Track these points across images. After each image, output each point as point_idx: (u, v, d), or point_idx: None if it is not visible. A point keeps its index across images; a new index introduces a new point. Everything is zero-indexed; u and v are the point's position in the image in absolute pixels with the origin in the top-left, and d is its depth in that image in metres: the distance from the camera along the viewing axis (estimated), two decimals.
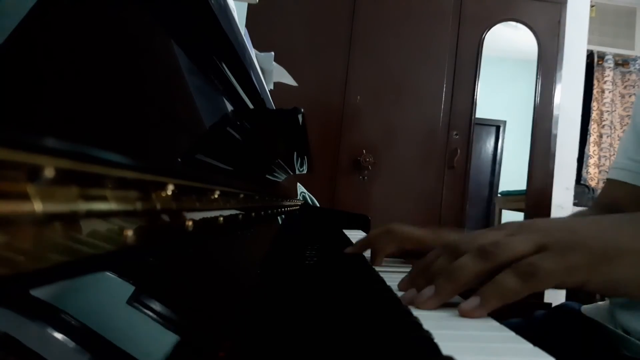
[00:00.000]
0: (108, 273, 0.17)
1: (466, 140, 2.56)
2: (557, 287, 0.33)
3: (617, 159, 0.67)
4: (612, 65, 3.35)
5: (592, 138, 3.36)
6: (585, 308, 0.63)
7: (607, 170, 3.26)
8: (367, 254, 0.63)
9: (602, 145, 3.35)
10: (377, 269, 0.50)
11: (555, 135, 2.66)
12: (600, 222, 0.38)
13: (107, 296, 0.17)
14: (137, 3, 0.23)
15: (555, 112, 2.66)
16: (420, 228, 0.59)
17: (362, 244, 0.61)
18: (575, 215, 0.63)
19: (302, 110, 0.53)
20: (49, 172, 0.12)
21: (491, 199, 3.21)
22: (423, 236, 0.58)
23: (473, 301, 0.33)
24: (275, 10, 2.38)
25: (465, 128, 2.57)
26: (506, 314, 0.37)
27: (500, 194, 3.17)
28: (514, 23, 2.67)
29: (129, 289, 0.18)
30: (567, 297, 2.24)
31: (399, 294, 0.38)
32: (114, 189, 0.17)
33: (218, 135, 0.38)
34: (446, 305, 0.36)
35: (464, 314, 0.32)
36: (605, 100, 3.35)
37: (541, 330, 0.63)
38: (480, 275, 0.34)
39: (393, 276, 0.45)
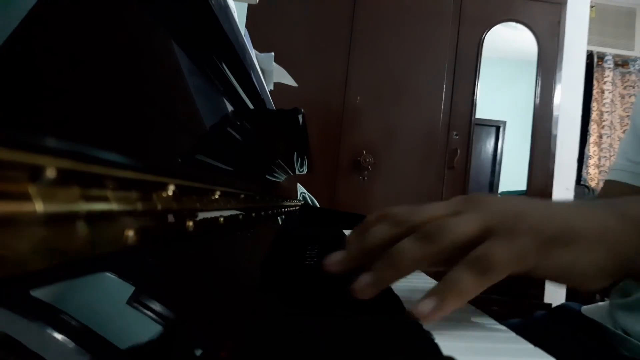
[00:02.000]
0: (108, 273, 0.17)
1: (466, 140, 2.56)
2: (511, 276, 0.30)
3: (616, 161, 0.67)
4: (611, 65, 3.35)
5: (592, 138, 3.36)
6: (586, 308, 0.63)
7: (607, 170, 3.26)
8: None
9: (602, 146, 3.35)
10: None
11: (555, 136, 2.66)
12: (551, 205, 0.35)
13: (107, 296, 0.17)
14: (138, 3, 0.23)
15: (555, 112, 2.66)
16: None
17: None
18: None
19: (303, 110, 0.53)
20: (49, 172, 0.12)
21: None
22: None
23: (429, 303, 0.29)
24: (276, 11, 2.38)
25: (465, 128, 2.57)
26: (506, 314, 0.37)
27: (500, 194, 3.17)
28: (513, 23, 2.67)
29: (129, 289, 0.18)
30: (567, 298, 2.24)
31: (400, 293, 0.38)
32: (114, 189, 0.16)
33: (218, 136, 0.38)
34: None
35: (421, 318, 0.29)
36: (605, 101, 3.35)
37: (541, 331, 0.63)
38: (424, 261, 0.31)
39: None
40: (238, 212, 0.39)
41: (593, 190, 3.04)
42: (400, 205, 0.35)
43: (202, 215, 0.28)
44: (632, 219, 0.32)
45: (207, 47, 0.33)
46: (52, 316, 0.14)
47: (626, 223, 0.32)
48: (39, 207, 0.12)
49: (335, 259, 0.35)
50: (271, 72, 1.24)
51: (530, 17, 2.64)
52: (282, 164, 0.79)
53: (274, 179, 0.78)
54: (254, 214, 0.46)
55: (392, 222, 0.34)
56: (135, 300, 0.18)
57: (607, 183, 0.68)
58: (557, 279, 0.32)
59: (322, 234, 0.94)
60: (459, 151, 2.54)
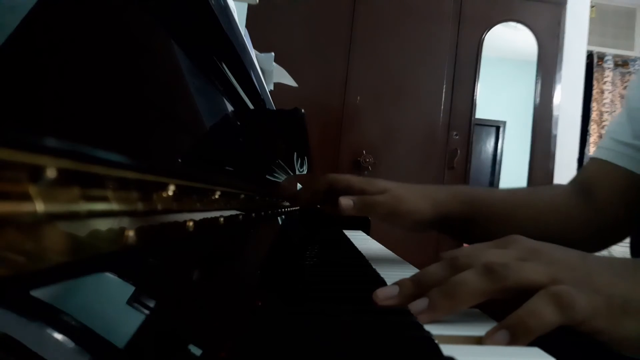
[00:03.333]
0: (108, 273, 0.17)
1: (466, 140, 2.56)
2: (575, 327, 0.29)
3: (602, 140, 0.68)
4: (611, 66, 3.35)
5: (592, 139, 3.36)
6: None
7: None
8: (367, 253, 0.63)
9: None
10: (378, 270, 0.50)
11: (555, 136, 2.66)
12: (613, 265, 0.33)
13: (107, 297, 0.17)
14: (138, 3, 0.23)
15: (555, 112, 2.67)
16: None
17: (305, 194, 0.64)
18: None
19: (303, 110, 0.53)
20: (49, 172, 0.12)
21: None
22: (351, 177, 0.61)
23: (501, 335, 0.27)
24: (276, 11, 2.38)
25: (465, 128, 2.57)
26: (506, 314, 0.37)
27: None
28: (513, 23, 2.67)
29: (129, 289, 0.18)
30: None
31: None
32: (114, 189, 0.16)
33: (218, 136, 0.38)
34: None
35: (490, 341, 0.27)
36: (605, 101, 3.35)
37: None
38: (482, 297, 0.30)
39: (394, 277, 0.45)
40: (238, 213, 0.39)
41: None
42: (463, 248, 0.34)
43: (202, 216, 0.28)
44: None
45: (207, 47, 0.33)
46: (52, 316, 0.14)
47: None
48: (39, 207, 0.12)
49: (387, 294, 0.33)
50: (271, 72, 1.24)
51: (530, 17, 2.64)
52: (282, 164, 0.79)
53: (274, 179, 0.78)
54: (254, 214, 0.46)
55: (453, 262, 0.33)
56: (135, 300, 0.18)
57: (592, 160, 0.68)
58: (624, 348, 0.30)
59: (322, 234, 0.94)
60: (459, 151, 2.54)
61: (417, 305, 0.31)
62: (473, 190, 0.66)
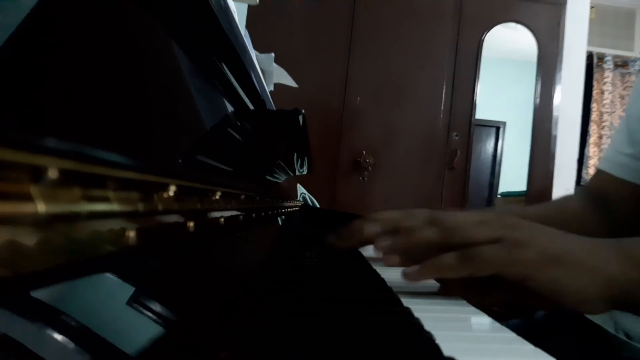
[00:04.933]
0: (108, 274, 0.17)
1: (466, 141, 2.56)
2: (499, 275, 0.35)
3: (606, 150, 0.69)
4: (611, 66, 3.35)
5: (592, 139, 3.36)
6: None
7: None
8: (366, 253, 0.63)
9: (602, 147, 3.35)
10: (378, 269, 0.50)
11: (555, 136, 2.66)
12: (563, 233, 0.38)
13: (108, 297, 0.17)
14: (138, 4, 0.23)
15: (555, 113, 2.67)
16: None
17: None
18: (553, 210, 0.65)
19: (303, 111, 0.53)
20: (50, 173, 0.12)
21: (491, 200, 3.21)
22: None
23: (413, 268, 0.37)
24: (276, 12, 2.38)
25: (465, 129, 2.57)
26: (506, 315, 0.38)
27: (500, 194, 3.17)
28: (513, 24, 2.67)
29: (129, 289, 0.18)
30: None
31: (400, 295, 0.38)
32: (114, 190, 0.16)
33: (219, 136, 0.38)
34: (446, 305, 0.36)
35: (404, 276, 0.38)
36: (605, 102, 3.35)
37: (542, 332, 0.63)
38: (429, 245, 0.38)
39: (393, 276, 0.45)
40: (238, 213, 0.39)
41: None
42: (450, 213, 0.42)
43: (202, 216, 0.28)
44: (634, 259, 0.35)
45: (207, 47, 0.33)
46: (52, 316, 0.14)
47: (627, 262, 0.35)
48: (40, 207, 0.12)
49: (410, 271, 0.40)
50: (271, 73, 1.24)
51: (530, 17, 2.64)
52: (283, 164, 0.79)
53: (274, 180, 0.78)
54: (254, 215, 0.46)
55: (441, 229, 0.39)
56: (135, 301, 0.18)
57: (597, 172, 0.69)
58: (548, 293, 0.34)
59: (322, 235, 0.94)
60: (458, 152, 2.54)
61: (414, 268, 0.39)
62: (509, 211, 0.66)
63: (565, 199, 0.73)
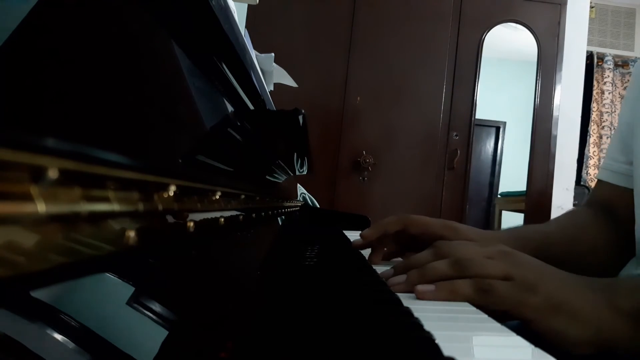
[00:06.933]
0: (108, 274, 0.17)
1: (466, 141, 2.56)
2: (505, 313, 0.37)
3: (604, 160, 0.70)
4: (611, 66, 3.35)
5: (592, 139, 3.36)
6: None
7: None
8: (367, 254, 0.63)
9: (602, 147, 3.35)
10: (378, 270, 0.50)
11: (555, 136, 2.66)
12: (564, 278, 0.42)
13: (107, 297, 0.17)
14: (138, 4, 0.23)
15: (555, 113, 2.67)
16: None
17: (373, 231, 0.61)
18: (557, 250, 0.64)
19: (303, 111, 0.53)
20: (50, 173, 0.12)
21: (491, 200, 3.21)
22: (430, 221, 0.59)
23: (429, 287, 0.38)
24: (276, 12, 2.38)
25: (465, 129, 2.57)
26: (506, 316, 0.38)
27: (500, 195, 3.17)
28: (513, 24, 2.67)
29: (129, 289, 0.18)
30: None
31: (401, 295, 0.38)
32: (114, 190, 0.16)
33: (219, 136, 0.38)
34: (447, 306, 0.36)
35: (417, 294, 0.39)
36: (605, 102, 3.35)
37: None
38: (445, 277, 0.39)
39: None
40: (238, 213, 0.39)
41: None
42: (453, 242, 0.44)
43: (202, 216, 0.28)
44: (618, 310, 0.39)
45: (207, 47, 0.33)
46: (52, 316, 0.14)
47: (613, 312, 0.39)
48: (40, 207, 0.12)
49: (385, 275, 0.44)
50: (271, 73, 1.24)
51: (530, 17, 2.64)
52: (282, 164, 0.79)
53: (274, 180, 0.78)
54: (254, 215, 0.46)
55: (436, 251, 0.43)
56: (135, 301, 0.18)
57: (598, 182, 0.70)
58: (546, 337, 0.38)
59: (322, 235, 0.94)
60: (459, 152, 2.54)
61: (397, 279, 0.42)
62: (533, 235, 0.65)
63: (575, 215, 0.72)
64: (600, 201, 0.68)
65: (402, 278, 0.41)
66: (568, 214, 0.75)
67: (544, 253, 0.61)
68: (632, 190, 0.61)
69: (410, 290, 0.40)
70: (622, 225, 0.64)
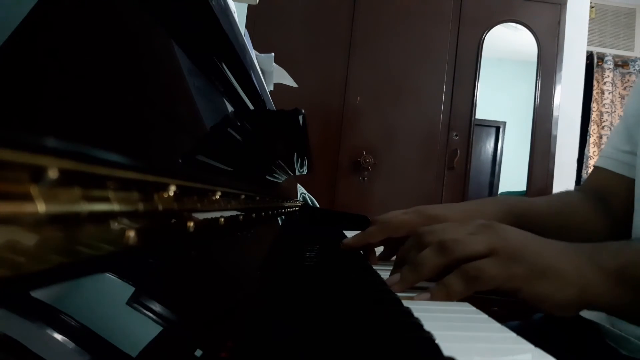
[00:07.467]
0: (108, 274, 0.17)
1: (466, 141, 2.56)
2: (496, 289, 0.38)
3: (604, 148, 0.69)
4: (611, 66, 3.35)
5: (592, 139, 3.36)
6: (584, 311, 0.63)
7: None
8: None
9: (602, 147, 3.35)
10: (377, 269, 0.50)
11: (555, 136, 2.66)
12: (546, 244, 0.42)
13: (107, 297, 0.17)
14: (138, 4, 0.23)
15: (555, 113, 2.66)
16: (404, 212, 0.61)
17: (359, 239, 0.62)
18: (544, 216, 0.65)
19: (303, 111, 0.53)
20: (50, 173, 0.12)
21: None
22: (407, 219, 0.60)
23: (424, 296, 0.39)
24: (276, 12, 2.38)
25: (465, 129, 2.57)
26: (506, 315, 0.38)
27: (500, 194, 3.17)
28: (513, 24, 2.67)
29: (129, 289, 0.18)
30: None
31: (400, 294, 0.38)
32: (114, 190, 0.16)
33: (219, 136, 0.38)
34: (447, 306, 0.36)
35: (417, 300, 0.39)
36: (605, 102, 3.35)
37: (541, 332, 0.63)
38: (438, 269, 0.40)
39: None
40: (238, 213, 0.39)
41: None
42: (431, 226, 0.45)
43: (202, 216, 0.28)
44: (602, 269, 0.40)
45: (207, 47, 0.33)
46: (52, 316, 0.14)
47: (596, 272, 0.40)
48: (39, 207, 0.12)
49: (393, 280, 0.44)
50: (271, 73, 1.24)
51: (530, 17, 2.64)
52: (283, 164, 0.79)
53: (274, 180, 0.78)
54: (254, 215, 0.46)
55: (419, 240, 0.44)
56: (135, 301, 0.18)
57: (595, 169, 0.70)
58: (535, 303, 0.39)
59: (322, 235, 0.94)
60: (459, 152, 2.54)
61: (393, 279, 0.42)
62: (518, 202, 0.66)
63: (567, 194, 0.74)
64: (595, 187, 0.69)
65: (396, 277, 0.42)
66: (558, 193, 0.77)
67: (528, 221, 0.62)
68: (630, 179, 0.62)
69: (407, 288, 0.41)
70: (612, 213, 0.65)
